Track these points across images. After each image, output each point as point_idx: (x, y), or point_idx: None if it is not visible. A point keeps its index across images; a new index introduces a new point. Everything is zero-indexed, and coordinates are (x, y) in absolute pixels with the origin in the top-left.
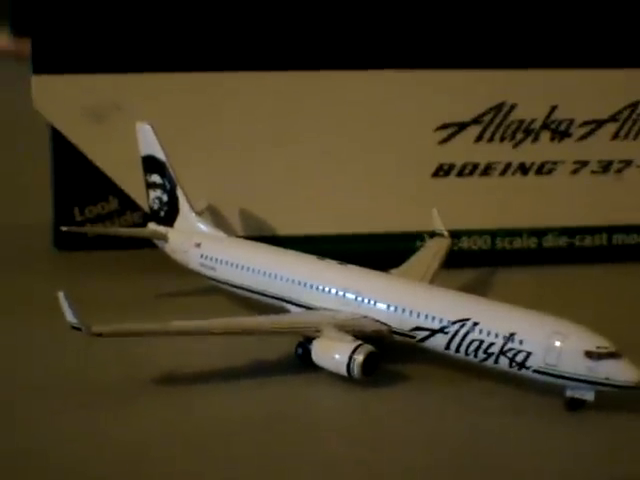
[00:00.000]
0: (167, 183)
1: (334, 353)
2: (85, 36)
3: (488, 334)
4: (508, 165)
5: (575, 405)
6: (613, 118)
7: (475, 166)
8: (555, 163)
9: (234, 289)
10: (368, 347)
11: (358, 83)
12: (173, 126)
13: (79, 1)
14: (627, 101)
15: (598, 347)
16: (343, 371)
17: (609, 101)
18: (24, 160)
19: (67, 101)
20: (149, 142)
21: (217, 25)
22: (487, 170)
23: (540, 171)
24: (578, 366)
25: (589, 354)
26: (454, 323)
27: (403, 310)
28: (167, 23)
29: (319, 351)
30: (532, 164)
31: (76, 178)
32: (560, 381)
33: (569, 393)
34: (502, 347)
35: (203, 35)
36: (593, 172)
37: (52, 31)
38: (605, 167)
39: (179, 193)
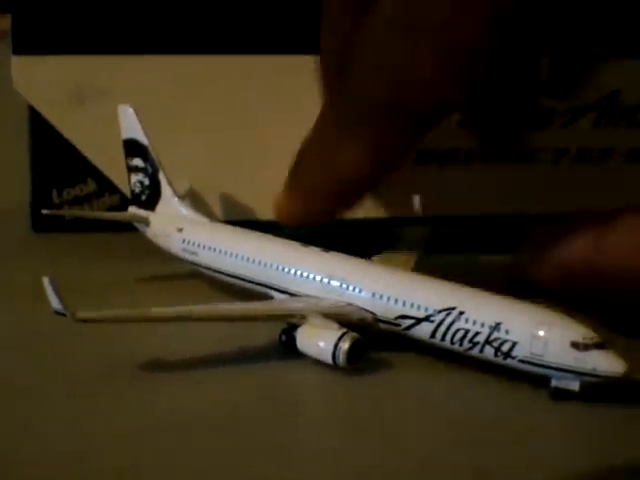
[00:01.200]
0: (149, 167)
1: (319, 341)
2: (66, 17)
3: (474, 323)
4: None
5: (560, 395)
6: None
7: (456, 153)
8: (536, 151)
9: (216, 274)
10: (353, 335)
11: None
12: (155, 109)
13: None
14: (608, 90)
15: (584, 338)
16: (328, 359)
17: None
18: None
19: (47, 83)
20: (131, 125)
21: (200, 8)
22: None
23: (521, 159)
24: (564, 356)
25: (575, 344)
26: (440, 312)
27: (388, 298)
28: (151, 5)
29: (304, 338)
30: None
31: (54, 160)
32: (546, 371)
33: (554, 383)
34: (488, 336)
35: (187, 18)
36: (574, 159)
37: (33, 12)
38: (586, 155)
39: (161, 177)
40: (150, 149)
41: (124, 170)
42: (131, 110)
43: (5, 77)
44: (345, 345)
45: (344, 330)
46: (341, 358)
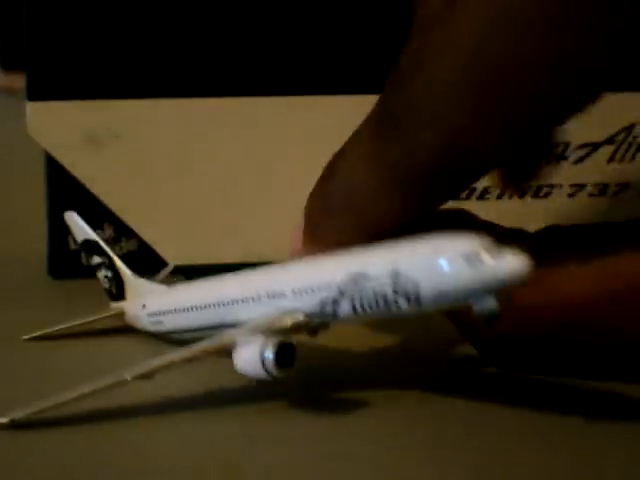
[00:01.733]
0: (106, 259)
1: (247, 356)
2: (81, 61)
3: (377, 280)
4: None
5: (489, 321)
6: (609, 141)
7: (472, 189)
8: (552, 186)
9: (183, 335)
10: (276, 339)
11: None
12: (170, 151)
13: (75, 27)
14: (622, 124)
15: (481, 248)
16: (261, 372)
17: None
18: (17, 197)
19: (62, 128)
20: (80, 227)
21: (217, 50)
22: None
23: (537, 194)
24: (468, 278)
25: (474, 260)
26: (346, 282)
27: (307, 291)
28: (167, 47)
29: (236, 360)
30: (528, 187)
31: (71, 206)
32: (458, 301)
33: (476, 310)
34: (393, 287)
35: (202, 60)
36: (590, 195)
37: (47, 57)
38: (602, 190)
39: (119, 264)
40: (100, 242)
41: (141, 213)
42: (75, 214)
43: (22, 127)
44: (270, 352)
45: (267, 338)
46: (270, 366)
